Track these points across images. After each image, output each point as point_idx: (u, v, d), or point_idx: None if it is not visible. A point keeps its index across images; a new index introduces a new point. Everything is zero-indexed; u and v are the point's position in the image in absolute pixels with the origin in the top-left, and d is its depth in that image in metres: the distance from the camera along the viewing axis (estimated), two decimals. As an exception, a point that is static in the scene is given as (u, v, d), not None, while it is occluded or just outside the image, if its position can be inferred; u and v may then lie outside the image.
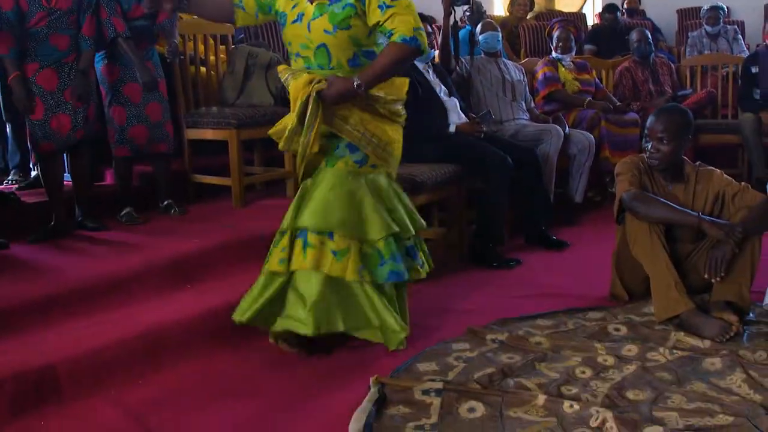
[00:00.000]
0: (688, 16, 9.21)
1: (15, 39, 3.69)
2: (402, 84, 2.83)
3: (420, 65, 4.27)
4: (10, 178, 4.76)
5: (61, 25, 3.78)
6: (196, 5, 2.88)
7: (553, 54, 5.58)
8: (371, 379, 2.51)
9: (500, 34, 5.22)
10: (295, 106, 2.71)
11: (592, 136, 4.93)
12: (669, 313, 3.00)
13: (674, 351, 2.77)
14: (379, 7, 2.64)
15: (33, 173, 4.72)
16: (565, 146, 4.72)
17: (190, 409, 2.52)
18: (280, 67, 2.89)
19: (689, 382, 2.54)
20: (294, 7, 2.78)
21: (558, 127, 4.68)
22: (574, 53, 5.67)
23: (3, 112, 4.44)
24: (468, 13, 6.74)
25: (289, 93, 2.80)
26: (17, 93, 3.70)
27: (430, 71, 4.35)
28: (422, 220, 3.04)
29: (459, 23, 6.42)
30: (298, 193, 2.91)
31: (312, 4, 2.74)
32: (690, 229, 3.10)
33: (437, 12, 5.06)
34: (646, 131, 3.20)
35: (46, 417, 2.48)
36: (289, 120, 2.77)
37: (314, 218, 2.76)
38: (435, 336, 3.01)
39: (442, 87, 4.33)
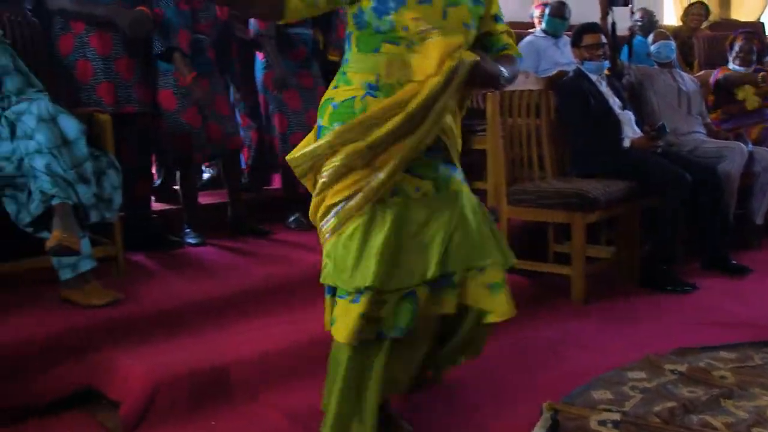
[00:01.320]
0: None
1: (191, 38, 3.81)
2: None
3: (593, 77, 4.11)
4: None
5: (210, 41, 3.91)
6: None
7: (731, 65, 5.25)
8: (544, 405, 2.40)
9: (673, 44, 4.97)
10: (439, 69, 2.01)
11: (777, 154, 4.61)
12: None
13: None
14: (496, 18, 2.27)
15: (205, 175, 4.89)
16: (748, 164, 4.42)
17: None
18: (411, 16, 2.05)
19: None
20: None
21: (742, 144, 4.39)
22: (753, 68, 5.30)
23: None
24: (639, 23, 6.49)
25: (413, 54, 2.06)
26: (199, 93, 3.78)
27: (603, 83, 4.18)
28: None
29: (630, 32, 6.26)
30: (362, 229, 2.07)
31: None
32: None
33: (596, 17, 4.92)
34: None
35: (218, 417, 2.52)
36: (412, 91, 2.04)
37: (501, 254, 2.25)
38: (608, 361, 2.86)
39: (616, 99, 4.15)
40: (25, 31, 3.60)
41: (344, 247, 2.07)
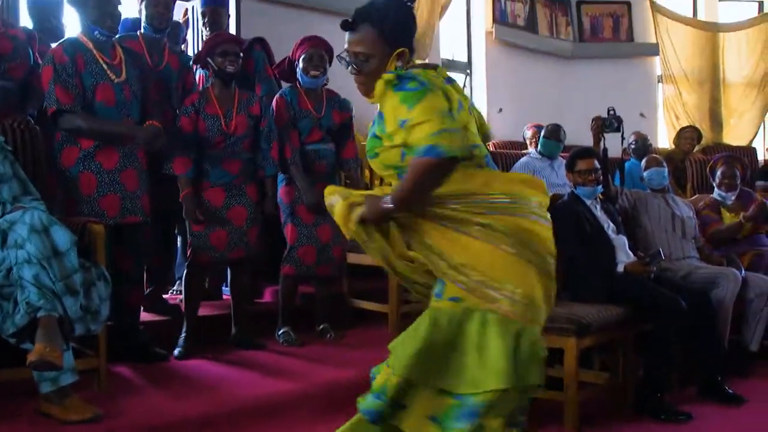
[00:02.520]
0: None
1: (192, 161, 3.91)
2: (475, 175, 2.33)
3: (587, 201, 4.14)
4: (174, 288, 4.92)
5: (235, 150, 3.97)
6: None
7: (716, 193, 5.27)
8: None
9: (666, 170, 5.02)
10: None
11: (771, 281, 4.58)
12: None
13: None
14: (400, 125, 2.24)
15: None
16: (742, 290, 4.40)
17: None
18: (328, 190, 2.48)
19: None
20: None
21: (735, 270, 4.39)
22: (738, 191, 5.30)
23: (175, 225, 4.63)
24: (633, 146, 6.61)
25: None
26: (188, 208, 3.91)
27: (598, 207, 4.21)
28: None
29: (624, 155, 6.37)
30: None
31: None
32: None
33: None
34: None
35: None
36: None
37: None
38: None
39: (610, 224, 4.18)
40: (26, 137, 3.64)
41: None
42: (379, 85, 2.28)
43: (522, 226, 2.30)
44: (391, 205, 2.28)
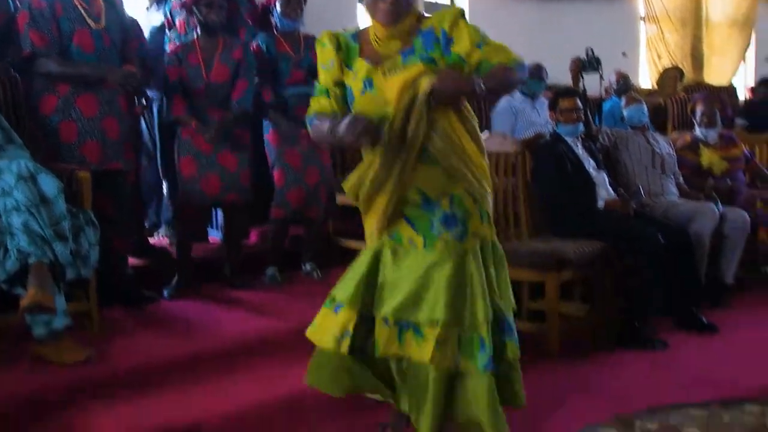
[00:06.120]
0: None
1: (188, 105, 3.98)
2: None
3: (569, 139, 4.20)
4: (161, 232, 4.97)
5: (217, 99, 4.00)
6: None
7: (697, 130, 5.28)
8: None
9: (645, 107, 5.06)
10: (396, 107, 2.29)
11: (746, 215, 4.67)
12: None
13: None
14: (477, 46, 2.34)
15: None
16: (719, 225, 4.48)
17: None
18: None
19: None
20: (354, 78, 2.42)
21: (713, 206, 4.47)
22: (719, 128, 5.33)
23: (161, 170, 4.66)
24: (615, 85, 6.65)
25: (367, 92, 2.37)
26: (185, 121, 4.00)
27: (579, 145, 4.27)
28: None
29: (604, 94, 6.42)
30: (369, 255, 2.44)
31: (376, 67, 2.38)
32: None
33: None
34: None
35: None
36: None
37: (429, 311, 2.36)
38: (579, 419, 2.87)
39: (591, 161, 4.24)
40: (6, 86, 3.64)
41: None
42: (452, 14, 2.38)
43: None
44: (483, 86, 2.28)
